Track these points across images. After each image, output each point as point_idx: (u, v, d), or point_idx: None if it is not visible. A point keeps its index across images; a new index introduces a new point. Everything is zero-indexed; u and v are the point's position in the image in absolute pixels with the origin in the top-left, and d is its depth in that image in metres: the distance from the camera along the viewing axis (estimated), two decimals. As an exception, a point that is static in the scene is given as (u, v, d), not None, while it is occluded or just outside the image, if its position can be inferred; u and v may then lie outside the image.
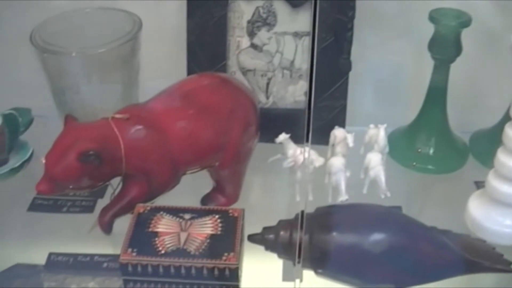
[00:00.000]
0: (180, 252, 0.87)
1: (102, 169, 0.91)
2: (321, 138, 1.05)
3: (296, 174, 1.03)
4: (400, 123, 1.14)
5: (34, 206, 1.04)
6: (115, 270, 0.95)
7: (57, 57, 1.02)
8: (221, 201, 1.01)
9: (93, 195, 1.03)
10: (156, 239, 0.89)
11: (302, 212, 0.86)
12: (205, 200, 1.01)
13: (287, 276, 0.93)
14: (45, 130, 1.12)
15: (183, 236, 0.89)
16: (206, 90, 0.97)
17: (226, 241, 0.89)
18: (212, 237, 0.89)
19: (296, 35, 1.09)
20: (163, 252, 0.87)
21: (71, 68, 1.03)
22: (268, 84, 1.11)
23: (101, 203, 1.03)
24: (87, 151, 0.89)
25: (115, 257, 0.95)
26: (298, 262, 0.90)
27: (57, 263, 0.95)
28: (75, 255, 0.96)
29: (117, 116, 0.92)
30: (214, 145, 0.96)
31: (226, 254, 0.87)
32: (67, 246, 0.99)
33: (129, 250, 0.87)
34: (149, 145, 0.93)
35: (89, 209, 1.02)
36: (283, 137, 1.02)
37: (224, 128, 0.96)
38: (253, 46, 1.09)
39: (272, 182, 1.08)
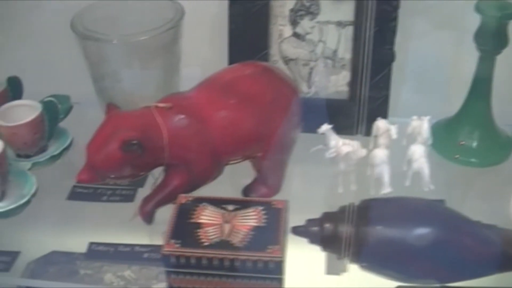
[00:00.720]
0: (224, 244, 0.86)
1: (144, 158, 0.90)
2: (364, 129, 1.04)
3: (338, 165, 1.01)
4: (442, 115, 1.12)
5: (74, 195, 1.03)
6: (156, 260, 0.95)
7: (98, 44, 1.01)
8: (263, 191, 0.99)
9: (133, 184, 1.02)
10: (199, 230, 0.87)
11: (351, 204, 0.85)
12: (246, 190, 1.00)
13: (331, 269, 0.92)
14: (84, 118, 1.12)
15: (227, 227, 0.88)
16: (249, 79, 0.96)
17: (270, 233, 0.87)
18: (256, 229, 0.88)
19: (339, 24, 1.06)
20: (206, 243, 0.86)
21: (112, 55, 1.02)
22: (310, 73, 1.09)
23: (142, 192, 1.02)
24: (130, 140, 0.88)
25: (156, 248, 0.95)
26: (346, 256, 0.89)
27: (97, 253, 0.95)
28: (115, 245, 0.95)
29: (160, 105, 0.91)
30: (256, 135, 0.94)
31: (270, 246, 0.85)
32: (106, 235, 0.98)
33: (172, 241, 0.86)
34: (191, 134, 0.91)
35: (130, 198, 1.01)
36: (325, 127, 1.01)
37: (266, 118, 0.94)
38: (296, 35, 1.08)
39: (313, 172, 1.06)
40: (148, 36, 1.00)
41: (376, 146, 1.02)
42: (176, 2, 1.05)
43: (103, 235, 0.98)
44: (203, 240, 0.87)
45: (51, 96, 1.11)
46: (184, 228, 0.88)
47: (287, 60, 1.09)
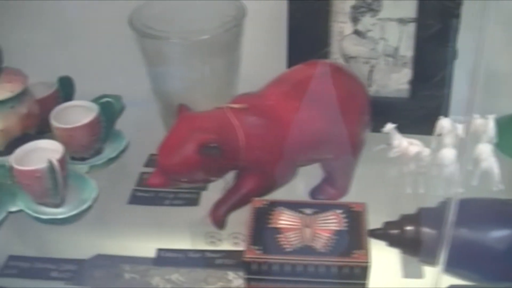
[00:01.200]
0: (307, 249, 0.83)
1: (220, 161, 0.87)
2: (424, 127, 1.02)
3: (406, 166, 0.99)
4: (503, 113, 1.11)
5: (135, 199, 1.00)
6: (229, 266, 0.92)
7: (158, 42, 0.97)
8: (331, 193, 0.97)
9: (196, 187, 0.99)
10: (280, 235, 0.85)
11: (446, 204, 0.83)
12: (314, 192, 0.97)
13: (409, 272, 0.90)
14: (138, 118, 1.09)
15: (308, 232, 0.85)
16: (320, 78, 0.93)
17: (353, 237, 0.85)
18: (337, 233, 0.85)
19: (401, 21, 1.04)
20: (289, 249, 0.83)
21: (172, 54, 0.98)
22: (371, 71, 1.07)
23: (205, 195, 0.99)
24: (208, 143, 0.85)
25: (228, 253, 0.92)
26: (428, 259, 0.87)
27: (166, 259, 0.92)
28: (185, 251, 0.92)
29: (234, 105, 0.88)
30: (329, 135, 0.91)
31: (355, 251, 0.83)
32: (172, 241, 0.95)
33: (253, 247, 0.84)
34: (267, 136, 0.89)
35: (194, 202, 0.98)
36: (389, 127, 0.99)
37: (338, 118, 0.91)
38: (357, 32, 1.05)
39: (376, 172, 1.04)
40: (209, 35, 0.96)
41: (443, 145, 1.01)
42: (238, 1, 1.02)
43: (169, 241, 0.95)
44: (285, 246, 0.84)
45: (101, 96, 1.07)
46: (264, 234, 0.86)
47: (347, 58, 1.06)
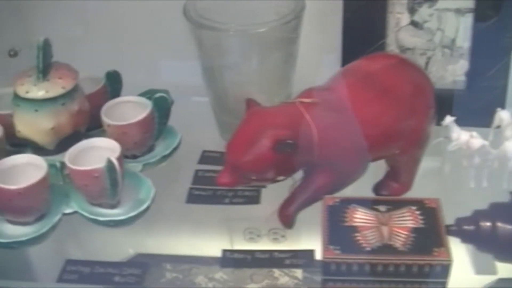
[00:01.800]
0: (387, 248, 0.80)
1: (294, 158, 0.83)
2: (481, 119, 1.00)
3: (466, 159, 0.97)
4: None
5: (193, 197, 0.96)
6: (299, 266, 0.89)
7: (215, 34, 0.94)
8: (395, 188, 0.94)
9: (255, 185, 0.96)
10: (357, 234, 0.82)
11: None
12: (378, 187, 0.94)
13: (483, 269, 0.88)
14: (186, 113, 1.04)
15: (385, 230, 0.83)
16: (388, 71, 0.90)
17: (432, 235, 0.82)
18: (415, 230, 0.82)
19: (459, 11, 1.01)
20: (368, 249, 0.80)
21: (229, 46, 0.95)
22: (427, 63, 1.04)
23: (265, 193, 0.96)
24: (284, 139, 0.81)
25: (296, 253, 0.89)
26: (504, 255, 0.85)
27: (233, 260, 0.89)
28: (251, 252, 0.89)
29: (305, 100, 0.85)
30: (399, 130, 0.89)
31: (436, 249, 0.80)
32: (235, 241, 0.93)
33: (331, 247, 0.80)
34: (340, 131, 0.86)
35: (255, 200, 0.95)
36: (449, 119, 0.96)
37: (407, 112, 0.89)
38: (413, 23, 1.02)
39: (436, 166, 1.02)
40: (268, 28, 0.93)
41: (503, 138, 0.99)
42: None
43: (231, 241, 0.93)
44: (364, 245, 0.81)
45: (148, 91, 1.03)
46: (340, 233, 0.83)
47: (404, 50, 1.04)
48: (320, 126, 0.84)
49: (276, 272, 0.96)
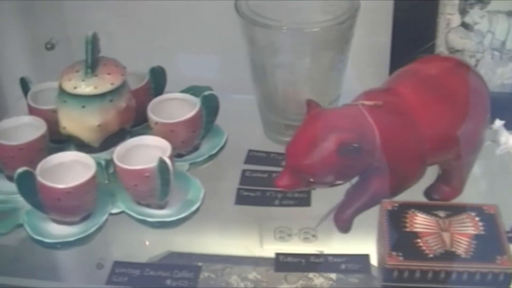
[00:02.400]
0: (449, 255, 0.79)
1: (356, 162, 0.81)
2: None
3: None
4: None
5: (242, 199, 0.94)
6: (355, 272, 0.87)
7: (267, 31, 0.92)
8: (446, 192, 0.92)
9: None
10: (419, 240, 0.80)
11: None
12: (429, 191, 0.92)
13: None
14: (230, 111, 1.01)
15: (446, 236, 0.81)
16: (446, 75, 0.88)
17: (493, 242, 0.81)
18: (476, 237, 0.81)
19: (510, 14, 1.00)
20: (431, 255, 0.79)
21: (282, 44, 0.93)
22: (476, 65, 1.02)
23: (315, 195, 0.94)
24: (349, 142, 0.79)
25: (351, 258, 0.87)
26: None
27: (287, 264, 0.87)
28: (306, 256, 0.87)
29: (367, 102, 0.83)
30: (458, 134, 0.87)
31: (499, 257, 0.79)
32: (286, 244, 0.91)
33: (394, 253, 0.79)
34: (402, 134, 0.83)
35: (306, 202, 0.92)
36: (498, 123, 0.95)
37: (466, 116, 0.87)
38: (464, 25, 1.01)
39: (484, 170, 1.01)
40: (322, 27, 0.91)
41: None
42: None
43: (282, 244, 0.91)
44: (426, 252, 0.79)
45: (190, 87, 1.01)
46: (402, 239, 0.81)
47: (453, 51, 1.02)
48: (383, 129, 0.82)
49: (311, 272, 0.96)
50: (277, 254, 0.87)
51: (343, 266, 0.86)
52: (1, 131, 0.93)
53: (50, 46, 1.07)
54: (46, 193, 0.85)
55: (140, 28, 1.09)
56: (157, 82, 1.00)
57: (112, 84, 0.90)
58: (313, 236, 0.94)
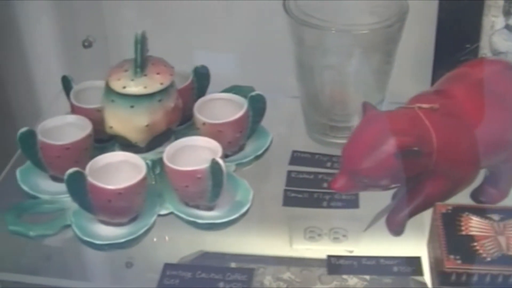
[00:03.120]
0: (507, 259, 0.79)
1: (413, 165, 0.81)
2: None
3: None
4: None
5: (289, 200, 0.93)
6: (407, 274, 0.87)
7: (316, 32, 0.91)
8: (493, 194, 0.92)
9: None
10: (475, 243, 0.80)
11: None
12: (476, 193, 0.92)
13: None
14: (273, 112, 1.00)
15: (502, 240, 0.81)
16: (496, 77, 0.87)
17: (547, 246, 0.82)
18: (531, 241, 0.82)
19: (554, 16, 1.01)
20: (488, 259, 0.78)
21: (330, 45, 0.92)
22: (519, 68, 1.03)
23: (363, 197, 0.94)
24: (409, 146, 0.78)
25: (404, 260, 0.87)
26: None
27: (340, 267, 0.86)
28: (358, 258, 0.86)
29: (424, 105, 0.82)
30: (509, 136, 0.87)
31: (554, 262, 0.80)
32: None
33: (451, 256, 0.79)
34: (458, 137, 0.83)
35: (354, 204, 0.92)
36: None
37: None
38: (508, 27, 1.00)
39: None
40: (371, 29, 0.90)
41: None
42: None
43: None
44: (484, 255, 0.79)
45: (232, 86, 1.00)
46: (458, 242, 0.81)
47: (496, 53, 1.01)
48: (439, 132, 0.82)
49: (345, 273, 0.96)
50: (329, 257, 0.87)
51: (395, 269, 0.86)
52: (45, 130, 0.92)
53: (87, 44, 1.06)
54: (97, 194, 0.84)
55: (178, 26, 1.08)
56: (200, 81, 0.99)
57: (161, 84, 0.88)
58: (344, 236, 0.94)
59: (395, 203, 0.87)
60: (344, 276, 0.94)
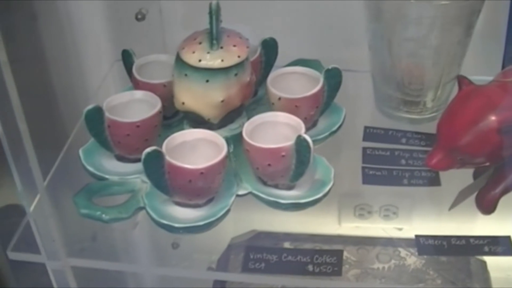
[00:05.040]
0: None
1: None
2: None
3: None
4: None
5: (369, 178, 0.89)
6: (499, 254, 0.84)
7: (395, 2, 0.87)
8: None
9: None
10: None
11: None
12: None
13: None
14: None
15: None
16: None
17: None
18: None
19: None
20: None
21: (410, 17, 0.87)
22: None
23: (444, 175, 0.91)
24: (512, 121, 0.76)
25: (493, 239, 0.84)
26: None
27: (430, 247, 0.83)
28: (447, 238, 0.83)
29: (521, 79, 0.80)
30: None
31: None
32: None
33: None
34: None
35: (436, 181, 0.88)
36: None
37: None
38: None
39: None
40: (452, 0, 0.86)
41: None
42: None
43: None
44: None
45: (299, 60, 0.96)
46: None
47: None
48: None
49: (403, 251, 0.93)
50: (417, 236, 0.83)
51: (486, 249, 0.83)
52: (111, 107, 0.87)
53: (140, 17, 1.00)
54: (176, 174, 0.79)
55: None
56: (268, 54, 0.94)
57: (239, 57, 0.83)
58: (394, 213, 0.92)
59: (486, 181, 0.85)
60: (402, 255, 0.92)
